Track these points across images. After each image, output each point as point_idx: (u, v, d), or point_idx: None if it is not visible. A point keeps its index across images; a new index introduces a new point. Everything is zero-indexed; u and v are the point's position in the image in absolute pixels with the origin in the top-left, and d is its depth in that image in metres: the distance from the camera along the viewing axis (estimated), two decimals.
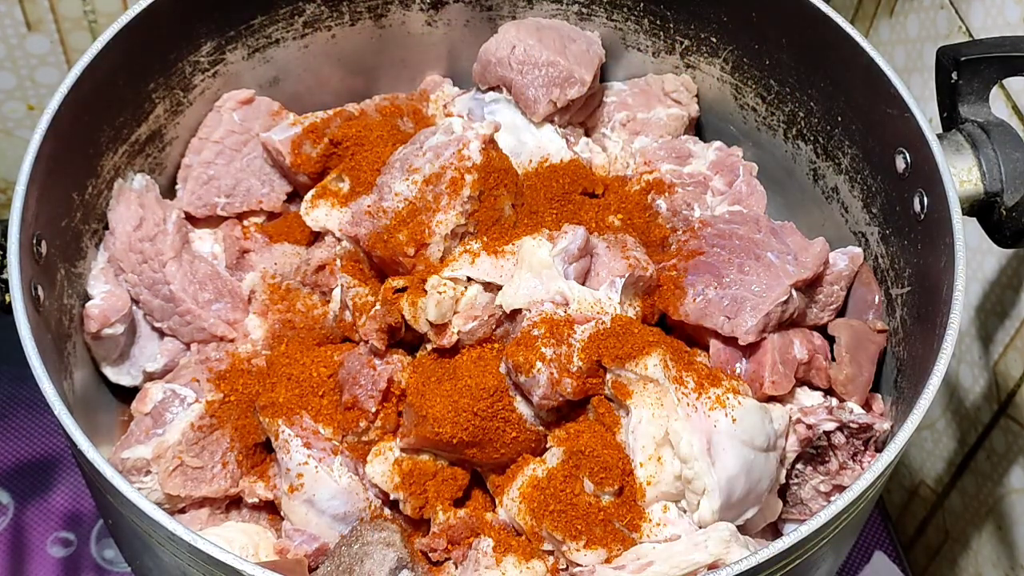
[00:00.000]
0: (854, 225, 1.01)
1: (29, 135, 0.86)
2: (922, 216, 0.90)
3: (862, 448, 0.91)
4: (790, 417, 0.89)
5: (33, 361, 0.78)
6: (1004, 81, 0.99)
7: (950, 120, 0.94)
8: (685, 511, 0.84)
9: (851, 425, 0.89)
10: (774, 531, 0.92)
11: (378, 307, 0.92)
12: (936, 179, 0.87)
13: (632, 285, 0.92)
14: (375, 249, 0.93)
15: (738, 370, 0.92)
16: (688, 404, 0.84)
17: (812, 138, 1.03)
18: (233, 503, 0.94)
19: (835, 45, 0.95)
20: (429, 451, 0.90)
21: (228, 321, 0.97)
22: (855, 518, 0.81)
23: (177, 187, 1.04)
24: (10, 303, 0.81)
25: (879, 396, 0.95)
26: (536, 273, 0.90)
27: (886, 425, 0.90)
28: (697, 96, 1.10)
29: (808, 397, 0.93)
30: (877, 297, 0.96)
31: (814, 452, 0.90)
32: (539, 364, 0.85)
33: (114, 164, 0.97)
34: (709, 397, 0.85)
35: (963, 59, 0.91)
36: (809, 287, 0.95)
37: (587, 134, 1.10)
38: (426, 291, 0.90)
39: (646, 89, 1.10)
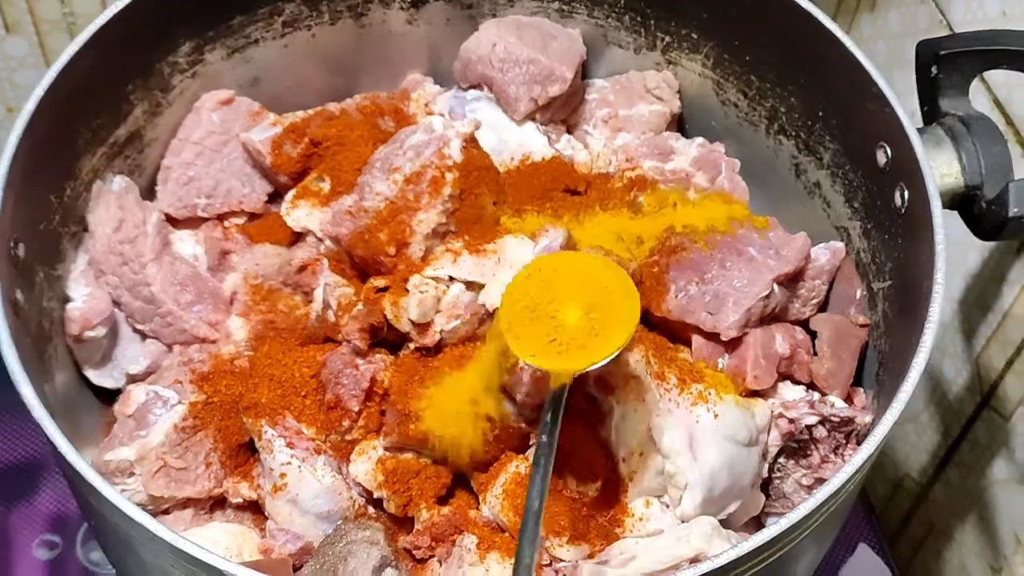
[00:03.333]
0: (836, 220, 1.01)
1: (7, 138, 0.86)
2: (903, 210, 0.90)
3: (844, 441, 0.91)
4: (772, 411, 0.89)
5: (12, 365, 0.78)
6: (986, 74, 1.00)
7: (930, 114, 0.94)
8: (668, 506, 0.84)
9: (833, 419, 0.89)
10: (757, 525, 0.93)
11: (360, 307, 0.92)
12: (917, 173, 0.87)
13: None
14: (356, 249, 0.93)
15: (720, 365, 0.92)
16: (670, 400, 0.84)
17: (794, 133, 1.03)
18: (217, 504, 0.94)
19: (816, 40, 0.95)
20: (412, 449, 0.90)
21: (210, 322, 0.97)
22: (837, 510, 0.81)
23: (157, 188, 1.03)
24: None
25: (861, 390, 0.96)
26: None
27: (868, 418, 0.90)
28: (679, 92, 1.10)
29: (790, 391, 0.93)
30: (859, 291, 0.97)
31: (796, 446, 0.91)
32: (522, 362, 0.85)
33: (93, 166, 0.97)
34: (691, 392, 0.85)
35: (943, 53, 0.91)
36: (791, 282, 0.95)
37: (569, 131, 1.10)
38: (408, 290, 0.90)
39: (628, 86, 1.10)
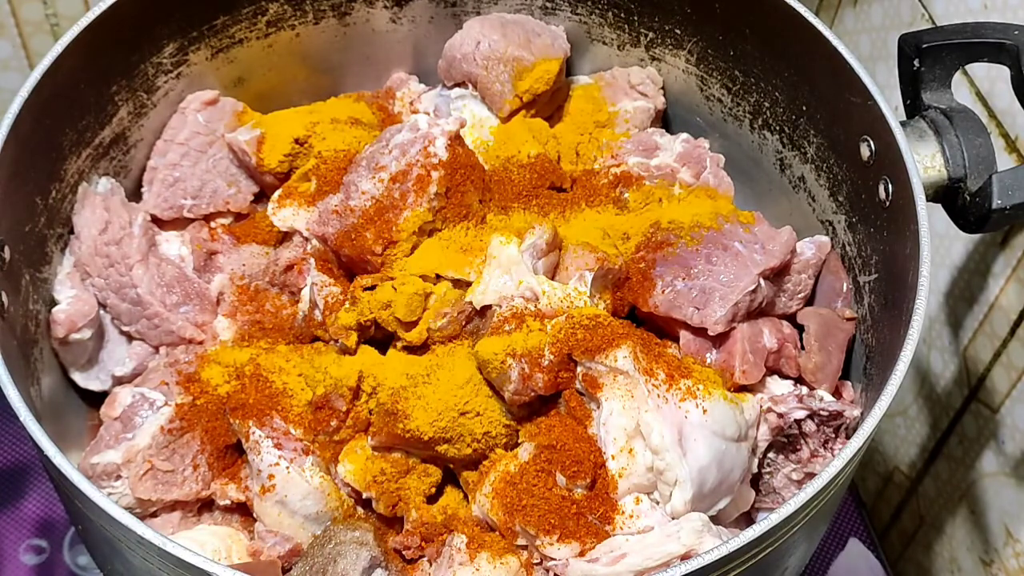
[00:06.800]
0: (821, 214, 1.01)
1: None
2: (887, 203, 0.90)
3: (833, 436, 0.91)
4: (761, 406, 0.89)
5: None
6: (968, 67, 1.00)
7: (913, 107, 0.94)
8: (658, 503, 0.84)
9: (821, 413, 0.90)
10: (748, 521, 0.93)
11: (347, 306, 0.92)
12: (900, 166, 0.87)
13: (601, 278, 0.92)
14: (343, 248, 0.93)
15: (708, 360, 0.92)
16: (659, 396, 0.84)
17: (778, 128, 1.04)
18: (205, 506, 0.93)
19: (799, 34, 0.96)
20: (401, 449, 0.90)
21: (196, 323, 0.97)
22: (827, 505, 0.81)
23: (143, 190, 1.03)
24: None
25: (849, 383, 0.96)
26: (505, 269, 0.90)
27: (856, 412, 0.90)
28: (663, 88, 1.10)
29: (778, 386, 0.93)
30: (845, 285, 0.97)
31: (785, 441, 0.91)
32: (510, 360, 0.85)
33: (78, 168, 0.97)
34: (680, 388, 0.85)
35: (924, 46, 0.91)
36: (777, 276, 0.95)
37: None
38: (395, 289, 0.90)
39: (612, 82, 1.10)
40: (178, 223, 1.03)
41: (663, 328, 0.95)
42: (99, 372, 0.98)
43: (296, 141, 1.01)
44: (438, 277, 0.91)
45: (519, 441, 0.88)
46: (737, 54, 1.04)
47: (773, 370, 0.94)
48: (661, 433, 0.82)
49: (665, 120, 1.13)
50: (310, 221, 0.97)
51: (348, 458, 0.89)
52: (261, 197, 1.05)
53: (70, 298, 0.95)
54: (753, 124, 1.06)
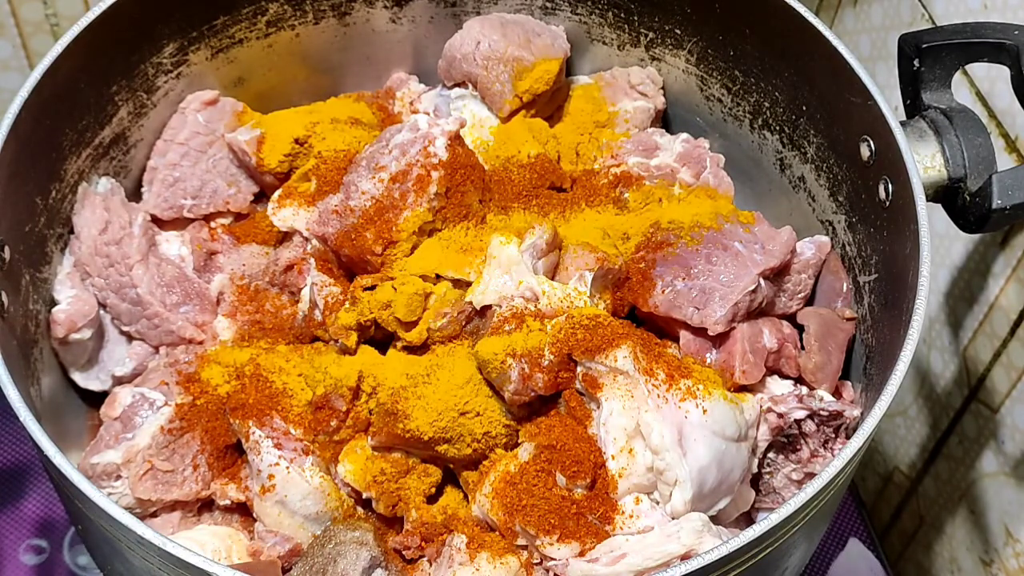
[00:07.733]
0: (821, 214, 1.01)
1: None
2: (887, 203, 0.90)
3: (833, 436, 0.91)
4: (761, 406, 0.89)
5: None
6: (968, 67, 1.00)
7: (913, 107, 0.94)
8: (658, 503, 0.84)
9: (821, 413, 0.90)
10: (748, 521, 0.93)
11: (347, 306, 0.92)
12: (900, 166, 0.87)
13: (601, 278, 0.92)
14: (343, 248, 0.93)
15: (708, 360, 0.92)
16: (659, 395, 0.84)
17: (778, 128, 1.04)
18: (205, 506, 0.93)
19: (798, 34, 0.96)
20: (401, 449, 0.90)
21: (196, 323, 0.97)
22: (826, 505, 0.81)
23: (143, 190, 1.03)
24: None
25: (849, 383, 0.96)
26: (505, 269, 0.90)
27: (856, 412, 0.90)
28: (663, 88, 1.10)
29: (778, 386, 0.93)
30: (845, 285, 0.97)
31: (786, 441, 0.91)
32: (510, 360, 0.85)
33: (78, 168, 0.97)
34: (680, 388, 0.85)
35: (924, 46, 0.91)
36: (777, 276, 0.95)
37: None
38: (395, 289, 0.90)
39: (612, 82, 1.10)
40: (178, 223, 1.03)
41: (663, 328, 0.95)
42: (99, 372, 0.98)
43: (296, 141, 1.01)
44: (438, 277, 0.91)
45: (519, 441, 0.88)
46: (737, 54, 1.04)
47: (773, 370, 0.94)
48: (661, 433, 0.83)
49: (665, 120, 1.13)
50: (310, 221, 0.97)
51: (348, 458, 0.89)
52: (261, 197, 1.05)
53: (70, 298, 0.95)
54: (753, 124, 1.06)
